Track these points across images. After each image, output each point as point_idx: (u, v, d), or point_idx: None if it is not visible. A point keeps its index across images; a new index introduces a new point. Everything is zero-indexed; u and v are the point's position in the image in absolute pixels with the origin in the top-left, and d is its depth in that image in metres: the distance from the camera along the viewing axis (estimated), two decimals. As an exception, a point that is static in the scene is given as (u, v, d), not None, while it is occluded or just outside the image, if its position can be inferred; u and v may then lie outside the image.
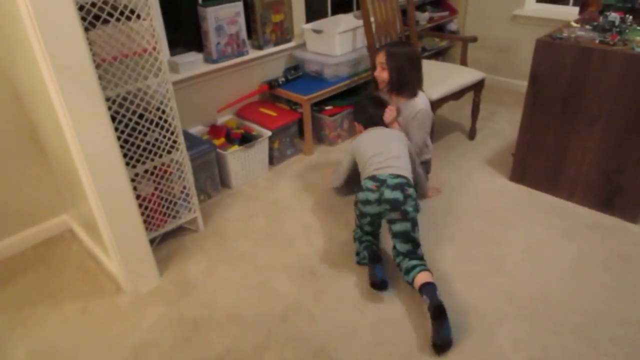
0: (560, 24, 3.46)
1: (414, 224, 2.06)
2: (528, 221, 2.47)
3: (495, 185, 2.79)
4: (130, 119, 2.05)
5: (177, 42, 2.89)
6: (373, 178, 2.13)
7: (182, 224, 2.46)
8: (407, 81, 2.47)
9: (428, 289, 1.88)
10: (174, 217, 2.41)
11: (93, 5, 1.80)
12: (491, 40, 4.04)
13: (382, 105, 2.51)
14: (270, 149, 3.04)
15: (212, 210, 2.70)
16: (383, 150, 2.23)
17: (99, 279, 2.25)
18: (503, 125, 3.48)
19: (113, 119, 1.98)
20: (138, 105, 2.06)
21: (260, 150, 2.91)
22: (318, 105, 3.26)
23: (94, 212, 1.98)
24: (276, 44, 3.19)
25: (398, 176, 2.11)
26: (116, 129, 2.01)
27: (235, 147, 2.78)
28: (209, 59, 2.93)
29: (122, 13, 1.88)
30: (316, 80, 3.21)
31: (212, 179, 2.78)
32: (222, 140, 2.86)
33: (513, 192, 2.71)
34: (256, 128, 2.98)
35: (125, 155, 2.08)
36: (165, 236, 2.47)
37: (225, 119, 3.12)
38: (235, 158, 2.79)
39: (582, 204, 2.55)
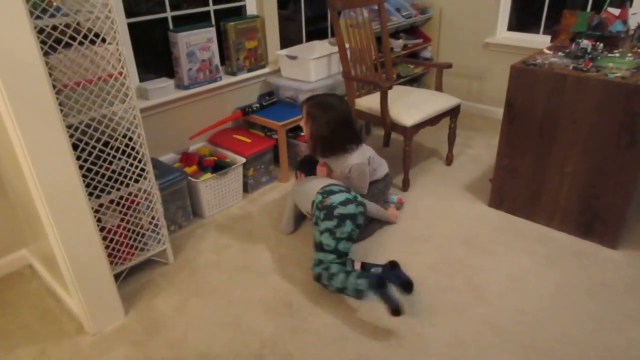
0: (532, 51, 3.54)
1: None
2: (509, 248, 2.42)
3: (474, 211, 2.75)
4: (94, 147, 1.94)
5: (147, 67, 2.81)
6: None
7: (151, 257, 2.33)
8: (329, 144, 2.38)
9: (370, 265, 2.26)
10: (142, 249, 2.28)
11: (54, 28, 1.71)
12: (465, 67, 4.09)
13: (313, 162, 2.62)
14: (245, 177, 2.94)
15: (183, 241, 2.58)
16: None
17: (59, 318, 2.09)
18: (479, 151, 3.48)
19: (75, 147, 1.87)
20: (103, 133, 1.96)
21: (234, 178, 2.82)
22: (293, 132, 3.20)
23: (53, 246, 1.84)
24: (250, 70, 3.14)
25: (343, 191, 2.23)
26: (79, 158, 1.89)
27: (208, 175, 2.68)
28: (180, 85, 2.85)
29: (85, 37, 1.79)
30: (291, 106, 3.16)
31: (184, 208, 2.66)
32: (194, 168, 2.76)
33: (492, 218, 2.67)
34: (230, 155, 2.89)
35: (88, 185, 1.96)
36: (133, 270, 2.33)
37: (197, 146, 3.03)
38: (208, 186, 2.69)
39: (561, 229, 2.52)
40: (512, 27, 3.85)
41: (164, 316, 2.07)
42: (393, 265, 2.26)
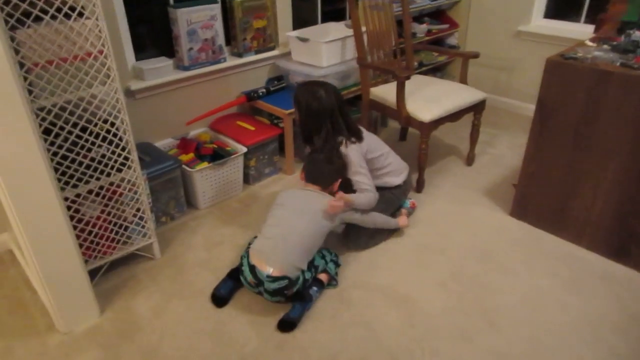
0: (571, 42, 3.20)
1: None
2: (529, 267, 2.17)
3: (493, 220, 2.49)
4: (70, 133, 1.75)
5: (145, 45, 2.60)
6: (252, 270, 1.89)
7: (135, 251, 2.16)
8: (310, 133, 2.20)
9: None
10: (125, 243, 2.11)
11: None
12: (493, 57, 3.76)
13: (332, 164, 2.11)
14: (246, 167, 2.74)
15: (173, 234, 2.40)
16: (280, 225, 1.96)
17: (31, 313, 1.95)
18: (504, 151, 3.19)
19: (48, 132, 1.69)
20: (80, 117, 1.77)
21: (233, 169, 2.62)
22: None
23: (18, 238, 1.68)
24: (258, 51, 2.91)
25: (276, 279, 1.85)
26: (52, 144, 1.71)
27: (204, 165, 2.48)
28: (180, 66, 2.64)
29: (59, 10, 1.59)
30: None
31: (177, 199, 2.48)
32: (191, 155, 2.57)
33: (513, 230, 2.41)
34: (231, 143, 2.68)
35: (63, 174, 1.79)
36: (116, 264, 2.17)
37: (198, 131, 2.83)
38: (204, 177, 2.49)
39: (591, 249, 2.25)
40: (549, 14, 3.49)
41: (141, 319, 1.91)
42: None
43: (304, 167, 2.17)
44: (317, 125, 2.14)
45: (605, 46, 2.20)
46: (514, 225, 2.45)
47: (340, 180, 2.14)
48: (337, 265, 2.10)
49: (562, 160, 2.20)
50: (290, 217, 1.98)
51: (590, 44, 2.26)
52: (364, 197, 2.12)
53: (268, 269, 1.85)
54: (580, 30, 3.29)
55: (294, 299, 1.92)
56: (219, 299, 1.97)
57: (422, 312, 1.93)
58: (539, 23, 3.51)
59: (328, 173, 2.12)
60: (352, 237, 2.26)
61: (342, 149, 2.13)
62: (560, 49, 3.29)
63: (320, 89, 2.11)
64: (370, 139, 2.24)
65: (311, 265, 1.97)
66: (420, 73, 3.60)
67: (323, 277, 2.03)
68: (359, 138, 2.18)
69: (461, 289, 2.04)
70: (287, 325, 1.85)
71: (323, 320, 1.90)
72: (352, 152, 2.13)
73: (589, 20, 3.31)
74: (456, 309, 1.94)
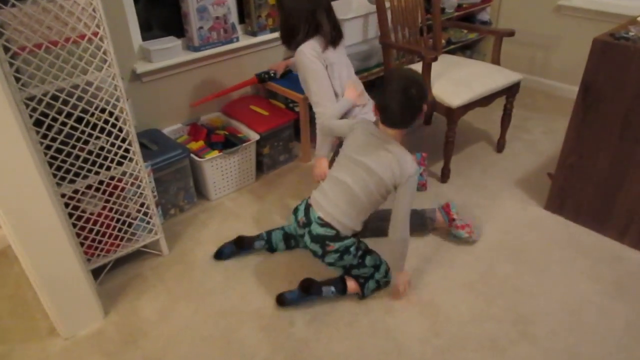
0: (618, 18, 2.91)
1: (347, 268, 1.82)
2: (567, 267, 1.97)
3: (526, 214, 2.28)
4: (64, 124, 1.61)
5: (153, 24, 2.43)
6: (307, 210, 1.76)
7: (141, 248, 2.04)
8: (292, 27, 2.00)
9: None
10: (130, 239, 1.99)
11: (4, -26, 1.35)
12: (529, 34, 3.47)
13: (417, 98, 1.62)
14: (259, 155, 2.58)
15: (182, 228, 2.27)
16: (343, 174, 1.72)
17: (33, 314, 1.85)
18: (537, 136, 2.95)
19: (40, 123, 1.55)
20: (75, 107, 1.62)
21: (245, 157, 2.46)
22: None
23: (9, 240, 1.56)
24: (273, 30, 2.71)
25: (325, 225, 1.69)
26: (44, 136, 1.58)
27: (215, 154, 2.33)
28: (190, 47, 2.47)
29: (46, -14, 1.43)
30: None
31: (186, 190, 2.34)
32: (202, 143, 2.41)
33: (549, 226, 2.20)
34: (244, 129, 2.52)
35: (59, 169, 1.65)
36: (122, 261, 2.05)
37: (210, 116, 2.67)
38: (214, 166, 2.34)
39: (637, 247, 2.03)
40: (593, -14, 3.18)
41: (146, 323, 1.79)
42: (306, 288, 1.82)
43: (377, 100, 1.69)
44: (297, 22, 1.96)
45: (663, 22, 1.94)
46: (549, 220, 2.24)
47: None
48: (378, 287, 1.86)
49: (607, 151, 1.97)
50: (354, 172, 1.71)
51: (645, 19, 2.00)
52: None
53: (321, 211, 1.71)
54: (630, 5, 2.97)
55: (308, 287, 1.80)
56: (220, 254, 2.05)
57: (447, 319, 1.76)
58: (582, -5, 3.20)
59: (409, 110, 1.64)
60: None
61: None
62: (607, 26, 3.01)
63: None
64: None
65: (362, 252, 1.80)
66: (448, 51, 3.36)
67: (352, 285, 1.83)
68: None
69: (491, 292, 1.86)
70: (279, 300, 1.83)
71: (339, 327, 1.75)
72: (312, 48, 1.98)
73: (638, -9, 3.00)
74: (486, 315, 1.77)
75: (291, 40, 2.01)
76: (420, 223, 2.10)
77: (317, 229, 1.70)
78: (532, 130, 3.02)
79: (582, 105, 1.98)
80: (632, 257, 2.01)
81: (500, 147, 2.78)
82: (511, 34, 2.53)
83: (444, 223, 2.10)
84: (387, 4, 2.49)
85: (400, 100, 1.60)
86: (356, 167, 1.71)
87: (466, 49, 3.77)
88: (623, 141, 1.91)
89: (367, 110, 2.06)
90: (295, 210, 1.83)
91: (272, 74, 2.64)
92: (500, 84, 2.40)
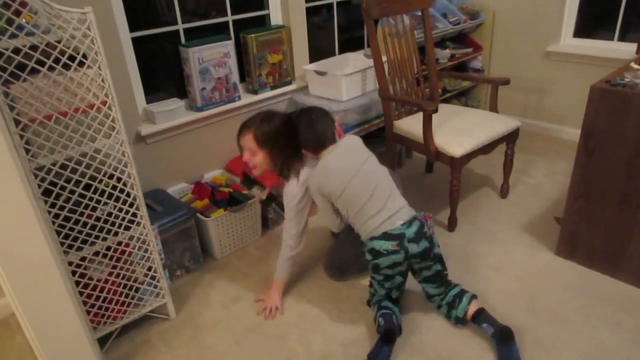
0: (605, 62, 2.99)
1: (442, 260, 1.85)
2: (585, 316, 1.92)
3: (538, 261, 2.25)
4: (72, 192, 1.60)
5: (156, 87, 2.48)
6: (387, 236, 1.73)
7: (148, 312, 1.98)
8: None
9: (485, 316, 1.81)
10: (137, 305, 1.94)
11: (16, 51, 1.38)
12: (522, 79, 3.56)
13: (322, 117, 1.88)
14: (264, 210, 2.56)
15: (189, 289, 2.22)
16: (373, 191, 1.77)
17: (35, 389, 1.78)
18: (540, 179, 2.96)
19: (49, 192, 1.55)
20: (83, 174, 1.62)
21: (251, 214, 2.44)
22: (322, 158, 2.79)
23: (13, 307, 1.52)
24: (274, 87, 2.77)
25: (410, 221, 1.75)
26: (53, 205, 1.56)
27: (220, 212, 2.32)
28: (193, 107, 2.51)
29: (57, 61, 1.46)
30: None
31: (192, 250, 2.31)
32: (206, 201, 2.41)
33: (562, 273, 2.17)
34: (248, 186, 2.52)
35: (66, 237, 1.63)
36: (128, 327, 1.99)
37: (213, 174, 2.68)
38: (219, 225, 2.32)
39: (654, 292, 2.00)
40: (579, 33, 3.29)
41: (154, 394, 1.72)
42: (505, 338, 1.73)
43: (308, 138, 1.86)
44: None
45: (655, 67, 1.99)
46: (561, 267, 2.21)
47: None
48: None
49: (614, 194, 1.97)
50: (367, 181, 1.79)
51: (637, 66, 2.05)
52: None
53: (397, 222, 1.73)
54: (616, 49, 3.08)
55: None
56: (386, 336, 1.76)
57: (469, 376, 1.70)
58: (570, 42, 3.31)
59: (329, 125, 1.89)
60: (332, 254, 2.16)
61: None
62: (595, 69, 3.10)
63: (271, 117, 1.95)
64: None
65: None
66: (444, 99, 3.43)
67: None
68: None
69: (511, 346, 1.81)
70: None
71: None
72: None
73: (623, 37, 3.11)
74: (508, 371, 1.71)
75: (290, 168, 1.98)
76: None
77: (410, 230, 1.73)
78: (534, 174, 3.04)
79: (585, 150, 2.00)
80: (650, 301, 1.97)
81: (504, 192, 2.78)
82: (506, 82, 2.59)
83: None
84: (384, 58, 2.56)
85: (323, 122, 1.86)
86: (359, 174, 1.79)
87: (461, 96, 3.86)
88: (630, 182, 1.91)
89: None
90: (380, 250, 1.74)
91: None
92: (500, 131, 2.43)
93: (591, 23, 3.24)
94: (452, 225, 2.49)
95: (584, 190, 2.06)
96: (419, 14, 2.70)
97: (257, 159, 1.92)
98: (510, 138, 2.56)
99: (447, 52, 3.37)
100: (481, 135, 2.35)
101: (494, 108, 2.67)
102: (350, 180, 1.78)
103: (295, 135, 1.88)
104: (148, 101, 2.43)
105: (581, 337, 1.83)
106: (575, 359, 1.73)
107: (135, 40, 2.28)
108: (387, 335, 1.74)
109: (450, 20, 3.35)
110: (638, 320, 1.88)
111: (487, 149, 2.42)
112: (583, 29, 3.27)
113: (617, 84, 1.87)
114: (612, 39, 3.15)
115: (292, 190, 1.93)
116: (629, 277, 2.05)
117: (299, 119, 1.90)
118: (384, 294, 1.89)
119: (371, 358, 1.72)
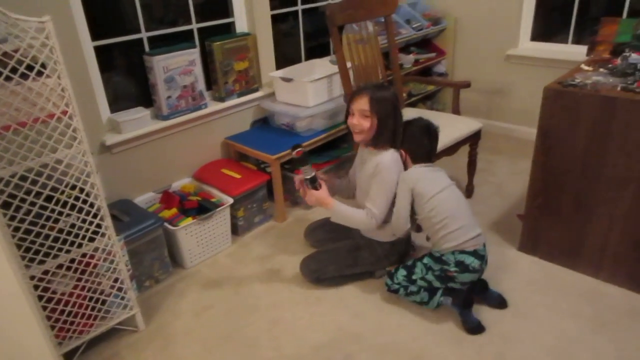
0: (561, 63, 3.12)
1: None
2: (548, 308, 1.99)
3: (501, 257, 2.32)
4: (33, 204, 1.57)
5: (121, 96, 2.45)
6: (476, 255, 1.89)
7: (116, 325, 1.95)
8: (391, 130, 1.98)
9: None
10: (104, 317, 1.90)
11: (-30, 61, 1.36)
12: (484, 82, 3.67)
13: (437, 137, 2.07)
14: (234, 217, 2.56)
15: (158, 300, 2.19)
16: (462, 206, 1.95)
17: (-1, 408, 1.72)
18: (503, 178, 3.05)
19: (8, 205, 1.51)
20: (44, 185, 1.59)
21: (220, 222, 2.44)
22: (289, 164, 2.81)
23: (-24, 333, 1.47)
24: (241, 94, 2.78)
25: (484, 246, 1.95)
26: (13, 218, 1.53)
27: (189, 220, 2.30)
28: (159, 116, 2.49)
29: (14, 70, 1.43)
30: (287, 134, 2.77)
31: (161, 259, 2.28)
32: (175, 210, 2.39)
33: (525, 267, 2.24)
34: (216, 194, 2.51)
35: (28, 250, 1.60)
36: (95, 341, 1.95)
37: (181, 182, 2.66)
38: (189, 233, 2.31)
39: (612, 282, 2.08)
40: (535, 37, 3.42)
41: (124, 407, 1.69)
42: (483, 287, 2.03)
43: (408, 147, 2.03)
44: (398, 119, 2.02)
45: (602, 70, 2.09)
46: (524, 262, 2.28)
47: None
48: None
49: (571, 190, 2.06)
50: (456, 204, 1.95)
51: (587, 68, 2.15)
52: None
53: (481, 243, 1.92)
54: (569, 51, 3.21)
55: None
56: (477, 327, 1.89)
57: (438, 372, 1.73)
58: (527, 46, 3.44)
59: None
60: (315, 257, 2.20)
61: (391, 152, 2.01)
62: (551, 71, 3.22)
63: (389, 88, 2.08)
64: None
65: None
66: (409, 104, 3.50)
67: None
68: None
69: (479, 340, 1.85)
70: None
71: None
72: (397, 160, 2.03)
73: (577, 40, 3.24)
74: (475, 366, 1.75)
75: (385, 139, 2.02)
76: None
77: (485, 252, 1.93)
78: (497, 172, 3.13)
79: (542, 148, 2.08)
80: (608, 291, 2.05)
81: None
82: (467, 85, 2.67)
83: None
84: (349, 64, 2.61)
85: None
86: (449, 188, 1.97)
87: (427, 100, 3.94)
88: (585, 179, 2.00)
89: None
90: (466, 263, 1.87)
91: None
92: (463, 133, 2.50)
93: (547, 27, 3.38)
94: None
95: (542, 187, 2.14)
96: (383, 20, 2.76)
97: (366, 124, 1.96)
98: (473, 139, 2.63)
99: (412, 57, 3.45)
100: (445, 137, 2.40)
101: (456, 110, 2.75)
102: (443, 189, 1.93)
103: (405, 128, 2.01)
104: (112, 110, 2.40)
105: (545, 329, 1.89)
106: (540, 351, 1.79)
107: (98, 49, 2.26)
108: (468, 301, 1.93)
109: (414, 26, 3.43)
110: (597, 310, 1.96)
111: (451, 150, 2.48)
112: (540, 33, 3.40)
113: (568, 84, 1.95)
114: (566, 42, 3.28)
115: (387, 161, 1.98)
116: (587, 269, 2.14)
117: (419, 122, 2.05)
118: (418, 300, 1.99)
119: (472, 324, 1.88)
